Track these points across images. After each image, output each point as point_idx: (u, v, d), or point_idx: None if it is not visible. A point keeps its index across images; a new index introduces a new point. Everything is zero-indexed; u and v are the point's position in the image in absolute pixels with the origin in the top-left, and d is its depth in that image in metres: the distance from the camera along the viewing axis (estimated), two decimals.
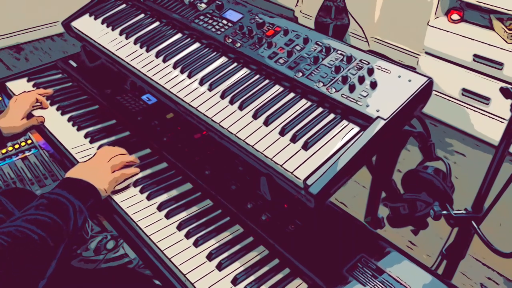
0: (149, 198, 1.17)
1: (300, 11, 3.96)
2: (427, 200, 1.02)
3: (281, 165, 0.92)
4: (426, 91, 0.96)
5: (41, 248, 0.91)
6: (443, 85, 2.79)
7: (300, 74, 1.05)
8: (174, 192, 1.20)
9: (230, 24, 1.24)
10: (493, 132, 2.66)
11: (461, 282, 1.96)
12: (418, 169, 1.05)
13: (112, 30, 1.40)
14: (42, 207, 0.98)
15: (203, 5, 1.33)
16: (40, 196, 1.03)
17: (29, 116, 1.45)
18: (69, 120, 1.45)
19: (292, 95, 1.06)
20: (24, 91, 1.49)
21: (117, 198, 1.17)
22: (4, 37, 3.66)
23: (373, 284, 0.93)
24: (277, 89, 1.09)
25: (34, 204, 1.00)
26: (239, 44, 1.17)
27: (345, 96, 0.98)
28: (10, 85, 1.60)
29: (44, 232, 0.93)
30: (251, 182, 1.16)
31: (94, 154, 1.21)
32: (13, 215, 1.14)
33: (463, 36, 2.61)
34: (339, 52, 1.07)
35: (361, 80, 0.99)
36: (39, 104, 1.49)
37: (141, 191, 1.19)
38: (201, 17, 1.30)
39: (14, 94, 1.56)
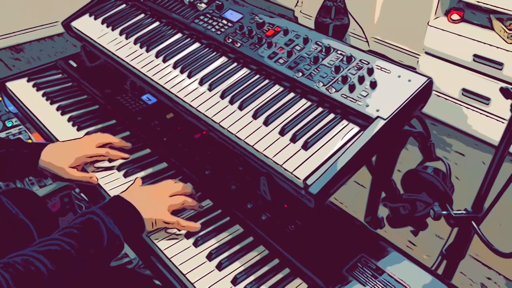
0: None
1: (300, 11, 3.96)
2: (427, 200, 1.02)
3: (281, 165, 0.92)
4: (426, 91, 0.96)
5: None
6: (443, 85, 2.79)
7: (300, 74, 1.05)
8: None
9: (230, 24, 1.24)
10: (493, 132, 2.66)
11: (461, 282, 1.96)
12: (418, 169, 1.05)
13: (112, 30, 1.40)
14: (75, 231, 0.93)
15: (203, 5, 1.33)
16: (81, 214, 0.97)
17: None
18: (69, 120, 1.45)
19: (292, 95, 1.06)
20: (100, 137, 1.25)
21: None
22: (4, 37, 3.66)
23: (373, 284, 0.93)
24: (277, 89, 1.09)
25: (71, 225, 0.95)
26: (239, 44, 1.17)
27: (345, 96, 0.98)
28: (10, 85, 1.60)
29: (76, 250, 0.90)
30: (251, 182, 1.16)
31: (157, 183, 1.13)
32: (13, 215, 1.14)
33: (463, 36, 2.62)
34: (339, 52, 1.07)
35: (361, 80, 0.99)
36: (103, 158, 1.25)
37: None
38: (201, 17, 1.30)
39: (14, 94, 1.56)
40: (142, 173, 1.25)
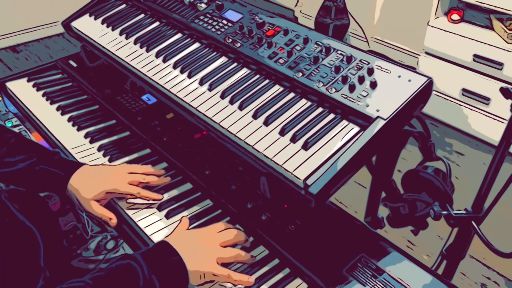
0: None
1: (300, 11, 3.96)
2: (427, 200, 1.02)
3: (281, 165, 0.92)
4: (426, 91, 0.96)
5: None
6: (443, 85, 2.79)
7: (300, 74, 1.05)
8: (174, 192, 1.20)
9: (230, 24, 1.24)
10: (493, 132, 2.66)
11: (461, 282, 1.96)
12: (418, 169, 1.05)
13: (112, 30, 1.40)
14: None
15: (203, 5, 1.33)
16: (121, 257, 0.90)
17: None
18: (69, 120, 1.45)
19: (292, 95, 1.06)
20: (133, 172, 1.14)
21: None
22: (4, 37, 3.66)
23: (373, 284, 0.93)
24: (277, 89, 1.09)
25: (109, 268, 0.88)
26: (239, 44, 1.17)
27: (345, 96, 0.98)
28: (10, 85, 1.60)
29: None
30: (251, 182, 1.16)
31: (208, 226, 1.03)
32: (13, 216, 1.14)
33: (463, 36, 2.62)
34: (339, 52, 1.07)
35: (361, 80, 0.99)
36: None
37: None
38: (201, 17, 1.30)
39: (14, 94, 1.56)
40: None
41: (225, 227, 1.02)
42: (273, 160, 0.94)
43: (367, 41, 3.54)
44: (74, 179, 1.09)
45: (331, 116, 1.00)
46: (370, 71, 1.00)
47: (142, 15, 1.43)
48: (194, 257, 0.92)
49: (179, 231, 1.02)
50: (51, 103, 1.51)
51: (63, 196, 1.12)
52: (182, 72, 1.19)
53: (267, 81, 1.11)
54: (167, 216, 1.12)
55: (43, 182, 1.12)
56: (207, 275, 0.93)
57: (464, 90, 2.70)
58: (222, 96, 1.09)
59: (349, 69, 1.02)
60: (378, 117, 0.93)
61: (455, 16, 2.72)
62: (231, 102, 1.07)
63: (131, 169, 1.15)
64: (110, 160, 1.28)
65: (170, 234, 1.02)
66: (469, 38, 2.59)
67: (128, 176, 1.13)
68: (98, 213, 1.08)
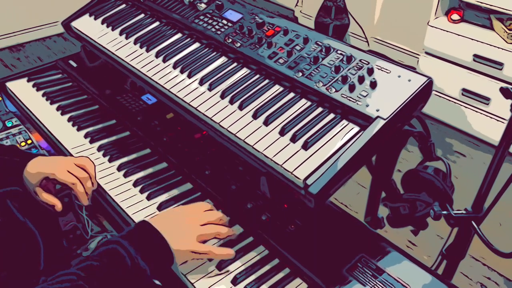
0: (149, 198, 1.17)
1: (300, 11, 3.97)
2: (427, 200, 1.02)
3: (281, 165, 0.92)
4: (426, 91, 0.96)
5: None
6: (443, 85, 2.79)
7: (300, 74, 1.05)
8: (174, 192, 1.20)
9: (230, 24, 1.24)
10: (493, 132, 2.66)
11: (461, 282, 1.96)
12: (418, 169, 1.05)
13: (112, 30, 1.40)
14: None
15: (203, 5, 1.33)
16: (105, 243, 0.89)
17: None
18: (69, 120, 1.45)
19: (292, 95, 1.06)
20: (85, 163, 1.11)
21: (117, 198, 1.17)
22: (4, 37, 3.66)
23: (373, 284, 0.93)
24: (277, 89, 1.09)
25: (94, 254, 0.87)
26: (239, 44, 1.18)
27: (345, 96, 0.98)
28: (10, 85, 1.60)
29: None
30: (251, 182, 1.16)
31: (189, 205, 1.03)
32: (15, 216, 1.14)
33: (463, 36, 2.62)
34: (339, 52, 1.07)
35: (361, 80, 0.99)
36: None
37: (141, 191, 1.19)
38: (201, 17, 1.30)
39: (14, 94, 1.56)
40: (142, 173, 1.25)
41: (210, 208, 1.03)
42: (273, 160, 0.94)
43: (367, 41, 3.54)
44: (27, 167, 1.07)
45: (331, 116, 1.00)
46: (370, 71, 1.00)
47: (142, 15, 1.43)
48: (175, 236, 0.93)
49: (161, 214, 1.02)
50: (51, 103, 1.52)
51: (22, 186, 1.10)
52: (182, 72, 1.19)
53: (267, 81, 1.11)
54: None
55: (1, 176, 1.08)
56: (188, 253, 0.95)
57: (464, 90, 2.70)
58: (222, 96, 1.09)
59: (349, 69, 1.02)
60: (378, 117, 0.93)
61: (455, 16, 2.72)
62: (231, 102, 1.07)
63: (77, 160, 1.11)
64: (110, 160, 1.28)
65: (150, 216, 1.02)
66: (469, 38, 2.59)
67: (73, 163, 1.10)
68: (43, 198, 1.08)
